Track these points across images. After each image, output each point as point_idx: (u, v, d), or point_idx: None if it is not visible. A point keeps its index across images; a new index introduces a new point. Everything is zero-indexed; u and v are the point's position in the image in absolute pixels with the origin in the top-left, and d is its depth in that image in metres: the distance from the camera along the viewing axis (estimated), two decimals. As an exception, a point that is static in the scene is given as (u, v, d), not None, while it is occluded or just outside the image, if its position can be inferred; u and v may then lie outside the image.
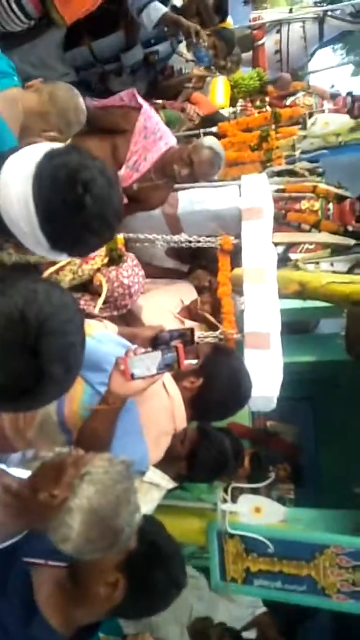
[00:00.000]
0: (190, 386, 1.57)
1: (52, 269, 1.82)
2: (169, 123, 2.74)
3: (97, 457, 1.10)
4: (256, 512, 2.03)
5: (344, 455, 4.04)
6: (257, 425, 4.94)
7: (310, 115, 3.26)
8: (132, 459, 1.54)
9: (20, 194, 1.02)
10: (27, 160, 1.05)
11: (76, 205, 1.00)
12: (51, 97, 1.57)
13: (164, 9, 2.23)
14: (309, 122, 2.95)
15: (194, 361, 1.63)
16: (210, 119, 3.15)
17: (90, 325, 1.60)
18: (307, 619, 3.04)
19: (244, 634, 2.59)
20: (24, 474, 1.24)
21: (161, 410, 1.57)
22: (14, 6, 1.90)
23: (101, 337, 1.56)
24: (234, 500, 2.17)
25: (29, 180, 1.01)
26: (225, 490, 2.10)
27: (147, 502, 1.84)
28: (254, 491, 2.26)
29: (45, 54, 2.39)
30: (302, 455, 4.51)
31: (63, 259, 1.11)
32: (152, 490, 1.86)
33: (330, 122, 3.02)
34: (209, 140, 2.12)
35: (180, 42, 2.63)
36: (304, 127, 2.97)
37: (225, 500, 2.06)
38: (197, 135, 2.88)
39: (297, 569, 2.14)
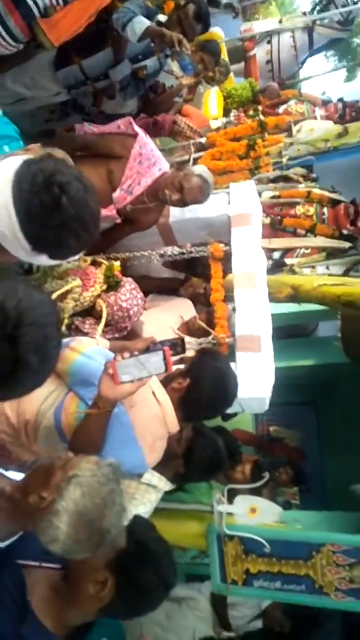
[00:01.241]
0: (178, 387, 1.63)
1: (53, 296, 1.91)
2: (163, 149, 2.83)
3: (84, 460, 1.14)
4: (252, 512, 2.06)
5: (348, 457, 4.05)
6: (260, 432, 4.97)
7: (296, 122, 3.33)
8: (131, 465, 1.60)
9: (1, 200, 1.08)
10: (6, 169, 1.12)
11: (53, 205, 1.07)
12: None
13: (147, 22, 2.31)
14: (295, 129, 3.01)
15: (182, 365, 1.69)
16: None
17: (81, 343, 1.67)
18: (319, 627, 3.03)
19: (251, 624, 2.61)
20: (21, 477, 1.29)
21: (153, 418, 1.63)
22: (1, 30, 1.99)
23: (91, 353, 1.62)
24: (230, 502, 2.20)
25: (9, 186, 1.08)
26: (221, 491, 2.13)
27: (145, 503, 1.89)
28: (252, 492, 2.29)
29: (37, 74, 2.48)
30: (306, 459, 4.51)
31: (43, 262, 1.17)
32: (149, 492, 1.90)
33: (315, 129, 3.09)
34: (199, 169, 2.20)
35: (167, 56, 2.71)
36: (290, 135, 3.04)
37: (221, 502, 2.09)
38: (187, 148, 2.95)
39: (295, 568, 2.16)
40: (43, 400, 1.63)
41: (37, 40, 2.05)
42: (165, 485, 1.95)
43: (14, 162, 1.13)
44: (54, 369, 1.07)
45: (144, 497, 1.89)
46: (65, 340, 1.72)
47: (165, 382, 1.68)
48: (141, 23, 2.35)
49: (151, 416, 1.63)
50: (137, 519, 1.35)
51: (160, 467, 1.84)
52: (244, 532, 2.13)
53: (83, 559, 1.19)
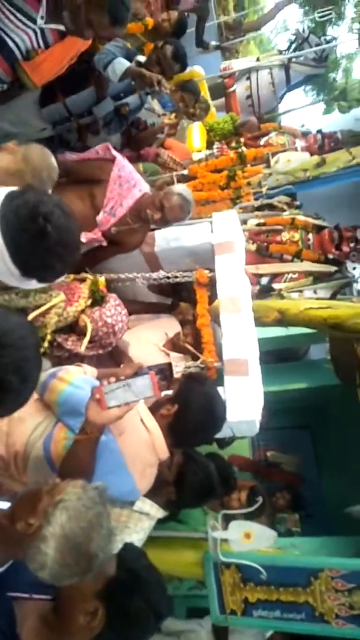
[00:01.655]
0: (166, 413, 1.64)
1: (37, 312, 1.91)
2: (146, 173, 2.93)
3: (70, 485, 1.15)
4: (246, 538, 2.03)
5: (346, 480, 4.00)
6: (257, 457, 4.91)
7: (274, 154, 3.45)
8: (122, 492, 1.59)
9: None
10: None
11: (40, 235, 1.17)
12: (25, 157, 1.73)
13: (127, 63, 2.44)
14: (272, 160, 3.13)
15: (170, 391, 1.70)
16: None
17: (69, 373, 1.69)
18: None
19: None
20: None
21: (142, 445, 1.63)
22: (-15, 71, 2.08)
23: (79, 383, 1.63)
24: (226, 529, 2.17)
25: None
26: (216, 518, 2.10)
27: (138, 531, 1.86)
28: (247, 518, 2.26)
29: (23, 111, 2.58)
30: (304, 484, 4.45)
31: (32, 286, 1.25)
32: (142, 520, 1.88)
33: (292, 160, 3.22)
34: (179, 188, 2.29)
35: (148, 94, 2.84)
36: (269, 166, 3.15)
37: (215, 528, 2.06)
38: (171, 179, 3.04)
39: (294, 596, 2.11)
40: (32, 431, 1.63)
41: (20, 81, 2.15)
42: (157, 512, 1.93)
43: None
44: (34, 388, 1.09)
45: (137, 526, 1.87)
46: (52, 370, 1.74)
47: (154, 409, 1.70)
48: (121, 64, 2.47)
49: (140, 443, 1.63)
50: (128, 546, 1.34)
51: (152, 495, 1.82)
52: (240, 559, 2.09)
53: (73, 588, 1.18)
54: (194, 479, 1.95)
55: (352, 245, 4.60)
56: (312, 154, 4.13)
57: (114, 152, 2.33)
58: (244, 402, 2.07)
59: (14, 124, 2.63)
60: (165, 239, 2.49)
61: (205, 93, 4.53)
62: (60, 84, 2.46)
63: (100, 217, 2.32)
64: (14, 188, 1.25)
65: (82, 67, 2.50)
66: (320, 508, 4.51)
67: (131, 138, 3.11)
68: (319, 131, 5.20)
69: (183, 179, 3.24)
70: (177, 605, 2.76)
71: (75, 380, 1.65)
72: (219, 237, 2.40)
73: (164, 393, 1.72)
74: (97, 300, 2.16)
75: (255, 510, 2.38)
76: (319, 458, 5.00)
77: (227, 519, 2.25)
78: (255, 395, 2.13)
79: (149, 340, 2.44)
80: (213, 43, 5.06)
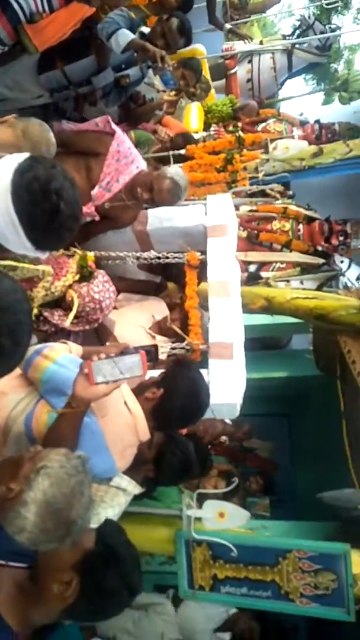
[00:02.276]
0: (151, 397, 1.65)
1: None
2: (138, 143, 2.89)
3: (53, 452, 1.16)
4: (220, 517, 2.07)
5: (319, 469, 4.10)
6: (233, 442, 4.99)
7: (272, 141, 3.44)
8: (101, 470, 1.60)
9: (3, 210, 1.18)
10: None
11: (54, 212, 1.19)
12: (24, 132, 1.71)
13: (131, 36, 2.38)
14: (271, 146, 3.12)
15: (156, 373, 1.71)
16: (183, 137, 3.28)
17: (54, 350, 1.67)
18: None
19: (219, 635, 2.61)
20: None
21: (124, 427, 1.64)
22: (-13, 32, 2.02)
23: (64, 362, 1.62)
24: (200, 508, 2.21)
25: (8, 197, 1.18)
26: (191, 497, 2.14)
27: (114, 505, 1.88)
28: (222, 498, 2.31)
29: (20, 76, 2.51)
30: (278, 470, 4.55)
31: (43, 256, 1.38)
32: (119, 495, 1.90)
33: (290, 147, 3.21)
34: (172, 171, 2.22)
35: (149, 67, 2.78)
36: (266, 152, 3.14)
37: (190, 506, 2.10)
38: (167, 158, 3.01)
39: (262, 574, 2.18)
40: (14, 406, 1.63)
41: (21, 44, 2.08)
42: (134, 488, 1.95)
43: (5, 170, 1.21)
44: (25, 354, 1.08)
45: (113, 500, 1.89)
46: (37, 346, 1.72)
47: (138, 391, 1.70)
48: (125, 36, 2.41)
49: (122, 425, 1.64)
50: (108, 522, 1.35)
51: (130, 471, 1.84)
52: (212, 537, 2.14)
53: (51, 557, 1.19)
54: (173, 458, 1.98)
55: (341, 238, 4.64)
56: (309, 144, 4.12)
57: (114, 126, 2.28)
58: (227, 385, 2.09)
59: (10, 89, 2.56)
60: (158, 218, 2.46)
61: (205, 73, 4.46)
62: (60, 51, 2.39)
63: (95, 191, 2.28)
64: (19, 158, 1.23)
65: (84, 35, 2.43)
66: (292, 494, 4.63)
67: (129, 112, 3.05)
68: (317, 121, 5.18)
69: (180, 159, 3.20)
70: (145, 581, 2.81)
71: (60, 358, 1.64)
72: (212, 219, 2.39)
73: (149, 375, 1.72)
74: (85, 275, 2.14)
75: (228, 492, 2.44)
76: (294, 446, 5.12)
77: (202, 499, 2.30)
78: (238, 379, 2.16)
79: (135, 322, 2.44)
80: (227, 25, 4.92)
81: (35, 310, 2.03)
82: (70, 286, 2.12)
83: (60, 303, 2.16)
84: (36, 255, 1.31)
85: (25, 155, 1.25)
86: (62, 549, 1.18)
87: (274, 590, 2.16)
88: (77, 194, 1.26)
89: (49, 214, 1.19)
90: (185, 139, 3.24)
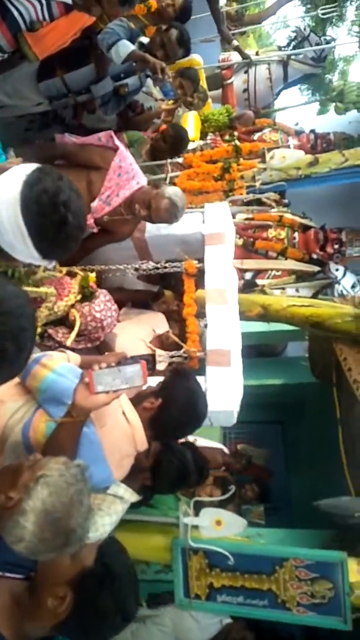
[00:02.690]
0: (149, 406, 1.65)
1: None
2: (131, 143, 2.90)
3: (53, 461, 1.15)
4: (217, 525, 2.07)
5: (313, 476, 4.11)
6: (228, 449, 4.98)
7: (269, 150, 3.47)
8: (97, 480, 1.60)
9: (12, 221, 1.22)
10: (7, 189, 1.24)
11: (61, 224, 1.23)
12: None
13: (131, 47, 2.41)
14: (268, 156, 3.15)
15: (155, 380, 1.71)
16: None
17: (52, 359, 1.67)
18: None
19: None
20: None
21: (122, 437, 1.64)
22: (-13, 39, 2.03)
23: (63, 371, 1.62)
24: (196, 515, 2.20)
25: (17, 209, 1.21)
26: (188, 504, 2.13)
27: (111, 513, 1.87)
28: (218, 506, 2.30)
29: (19, 84, 2.52)
30: (273, 477, 4.55)
31: (50, 265, 1.30)
32: (115, 503, 1.89)
33: (287, 157, 3.24)
34: (171, 191, 2.22)
35: (148, 76, 2.80)
36: (264, 161, 3.17)
37: (187, 514, 2.09)
38: (163, 165, 3.02)
39: (258, 583, 2.17)
40: (11, 415, 1.62)
41: (21, 52, 2.10)
42: (131, 496, 1.94)
43: (14, 182, 1.24)
44: (28, 360, 1.08)
45: (110, 508, 1.88)
46: (35, 355, 1.72)
47: (136, 401, 1.70)
48: (125, 47, 2.43)
49: (120, 435, 1.64)
50: (110, 541, 1.31)
51: (127, 479, 1.83)
52: (209, 545, 2.13)
53: (49, 570, 1.18)
54: (170, 466, 1.97)
55: (336, 247, 4.68)
56: (305, 153, 4.16)
57: (117, 142, 2.31)
58: (224, 393, 2.10)
59: (10, 96, 2.57)
60: (157, 226, 2.48)
61: (202, 83, 4.50)
62: (60, 59, 2.41)
63: (95, 204, 2.30)
64: (27, 170, 1.26)
65: (84, 43, 2.45)
66: (286, 501, 4.63)
67: (127, 120, 3.08)
68: (312, 131, 5.24)
69: (177, 167, 3.22)
70: (141, 589, 2.80)
71: (59, 367, 1.64)
72: (210, 227, 2.41)
73: (146, 385, 1.73)
74: (86, 295, 2.19)
75: (224, 500, 2.43)
76: (289, 453, 5.12)
77: (198, 507, 2.29)
78: (236, 386, 2.16)
79: (136, 335, 2.45)
80: (235, 42, 4.96)
81: (39, 329, 2.05)
82: (72, 306, 2.17)
83: (64, 321, 2.20)
84: (42, 264, 1.35)
85: (33, 166, 1.28)
86: (61, 563, 1.17)
87: (270, 599, 2.15)
88: (82, 205, 1.30)
89: (57, 225, 1.23)
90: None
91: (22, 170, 1.26)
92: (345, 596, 2.08)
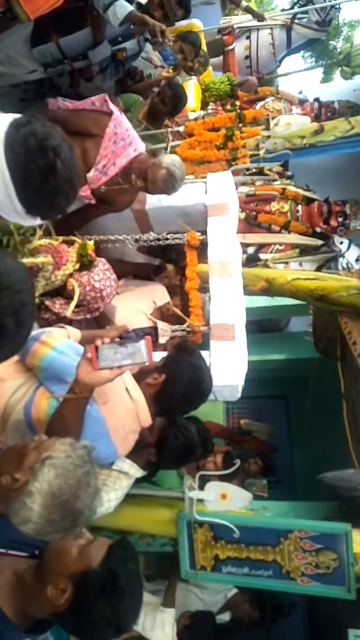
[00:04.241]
0: (153, 382, 1.62)
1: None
2: (128, 107, 2.79)
3: (59, 442, 1.13)
4: (222, 498, 2.07)
5: (316, 450, 4.13)
6: (231, 424, 5.01)
7: (273, 117, 3.36)
8: (103, 457, 1.58)
9: None
10: None
11: (49, 171, 1.10)
12: None
13: (129, 7, 2.29)
14: (272, 122, 3.05)
15: (161, 355, 1.67)
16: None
17: (52, 336, 1.62)
18: (283, 615, 3.11)
19: (218, 617, 2.65)
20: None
21: (126, 414, 1.61)
22: (-24, -2, 1.92)
23: (63, 348, 1.58)
24: (202, 490, 2.21)
25: (0, 150, 1.08)
26: (193, 478, 2.13)
27: (117, 489, 1.87)
28: (222, 480, 2.31)
29: (12, 50, 2.41)
30: (275, 452, 4.57)
31: (34, 223, 1.23)
32: (121, 478, 1.89)
33: (292, 124, 3.14)
34: (168, 160, 2.10)
35: (147, 40, 2.68)
36: (267, 128, 3.07)
37: (192, 488, 2.10)
38: (164, 135, 2.93)
39: (263, 554, 2.19)
40: (12, 394, 1.59)
41: (12, 12, 1.99)
42: (137, 472, 1.94)
43: (1, 123, 1.12)
44: (28, 336, 1.04)
45: (116, 484, 1.88)
46: (35, 332, 1.68)
47: (139, 377, 1.66)
48: (123, 7, 2.31)
49: (124, 412, 1.61)
50: (123, 544, 1.25)
51: (132, 455, 1.82)
52: (214, 518, 2.14)
53: (57, 556, 1.17)
54: (175, 442, 1.96)
55: (340, 219, 4.60)
56: (310, 120, 4.03)
57: (112, 106, 2.18)
58: (229, 367, 2.07)
59: (3, 64, 2.47)
60: (158, 197, 2.40)
61: (203, 48, 4.33)
62: (54, 22, 2.30)
63: (91, 174, 2.20)
64: (17, 115, 1.16)
65: (79, 5, 2.34)
66: (289, 475, 4.67)
67: (126, 88, 2.96)
68: (317, 99, 5.09)
69: (178, 136, 3.12)
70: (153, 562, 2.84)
71: (59, 345, 1.60)
72: (213, 198, 2.34)
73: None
74: (85, 264, 2.10)
75: (228, 474, 2.44)
76: (291, 427, 5.14)
77: (203, 481, 2.30)
78: (240, 360, 2.13)
79: (136, 307, 2.40)
80: (244, 3, 4.72)
81: (36, 300, 1.99)
82: (70, 275, 2.09)
83: (61, 292, 2.13)
84: (25, 222, 1.21)
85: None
86: (69, 553, 1.16)
87: (275, 570, 2.18)
88: (74, 159, 1.17)
89: (44, 172, 1.10)
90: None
91: (10, 116, 1.16)
92: (350, 566, 2.09)
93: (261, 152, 2.98)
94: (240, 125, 3.05)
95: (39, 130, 1.11)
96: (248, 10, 4.68)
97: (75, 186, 1.17)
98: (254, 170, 3.54)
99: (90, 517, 1.12)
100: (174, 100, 2.80)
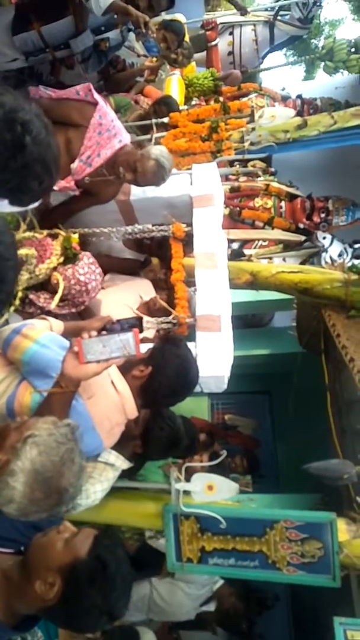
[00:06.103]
0: (139, 374, 1.61)
1: None
2: (118, 108, 2.78)
3: (41, 421, 1.11)
4: (209, 490, 2.07)
5: (299, 445, 4.16)
6: (215, 419, 5.03)
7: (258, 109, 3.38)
8: (88, 450, 1.56)
9: None
10: None
11: (16, 145, 1.01)
12: None
13: None
14: (257, 114, 3.06)
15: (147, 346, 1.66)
16: (164, 102, 3.16)
17: (34, 329, 1.59)
18: (267, 607, 3.13)
19: (204, 608, 2.66)
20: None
21: (111, 407, 1.60)
22: None
23: (46, 341, 1.55)
24: (187, 482, 2.20)
25: None
26: (180, 471, 2.13)
27: (103, 481, 1.85)
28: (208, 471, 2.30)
29: (-7, 39, 2.37)
30: (259, 446, 4.60)
31: (6, 209, 1.12)
32: (107, 470, 1.87)
33: (276, 115, 3.15)
34: (156, 151, 2.09)
35: (130, 30, 2.66)
36: (252, 120, 3.08)
37: (178, 480, 2.09)
38: (150, 126, 2.91)
39: (249, 545, 2.19)
40: None
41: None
42: (122, 463, 1.92)
43: None
44: (10, 294, 1.00)
45: (102, 476, 1.86)
46: (16, 325, 1.64)
47: (125, 369, 1.64)
48: None
49: (109, 405, 1.60)
50: (109, 533, 1.25)
51: (118, 447, 1.81)
52: (200, 509, 2.13)
53: (42, 552, 1.15)
54: (160, 433, 1.96)
55: (322, 215, 4.64)
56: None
57: (96, 96, 2.15)
58: (215, 358, 2.08)
59: (-18, 52, 2.42)
60: (142, 187, 2.38)
61: (186, 39, 4.31)
62: (36, 10, 2.27)
63: (75, 165, 2.16)
64: None
65: (62, -8, 2.30)
66: (272, 469, 4.70)
67: (108, 77, 2.93)
68: (299, 96, 5.13)
69: (163, 128, 3.11)
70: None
71: (41, 337, 1.56)
72: (198, 189, 2.33)
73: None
74: (69, 257, 2.08)
75: (213, 468, 2.43)
76: (275, 422, 5.17)
77: (189, 474, 2.29)
78: (226, 351, 2.14)
79: (122, 301, 2.38)
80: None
81: (20, 293, 1.95)
82: (54, 269, 2.06)
83: (45, 286, 2.10)
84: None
85: None
86: (54, 546, 1.14)
87: (261, 560, 2.18)
88: (51, 140, 1.08)
89: (11, 146, 1.00)
90: (168, 105, 3.12)
91: None
92: (335, 555, 2.11)
93: (246, 144, 2.99)
94: (224, 117, 3.06)
95: (8, 102, 1.02)
96: (232, 1, 4.66)
97: (50, 170, 1.08)
98: (237, 164, 3.55)
99: (75, 495, 1.11)
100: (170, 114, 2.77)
